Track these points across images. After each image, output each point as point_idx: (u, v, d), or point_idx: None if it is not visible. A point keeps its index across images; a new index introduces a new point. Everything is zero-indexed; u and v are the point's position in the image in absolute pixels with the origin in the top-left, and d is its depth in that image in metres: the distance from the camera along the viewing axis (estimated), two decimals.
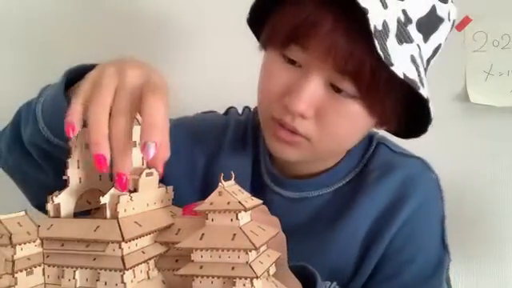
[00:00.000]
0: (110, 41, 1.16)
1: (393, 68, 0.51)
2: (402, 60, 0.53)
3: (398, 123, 0.62)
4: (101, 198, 0.40)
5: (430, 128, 1.02)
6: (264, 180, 0.72)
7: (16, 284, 0.40)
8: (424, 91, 0.55)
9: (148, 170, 0.42)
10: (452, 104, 1.02)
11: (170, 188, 0.46)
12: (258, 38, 0.66)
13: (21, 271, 0.40)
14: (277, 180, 0.70)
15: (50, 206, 0.43)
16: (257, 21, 0.63)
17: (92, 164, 0.42)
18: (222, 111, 0.83)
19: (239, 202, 0.40)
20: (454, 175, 1.01)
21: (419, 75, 0.55)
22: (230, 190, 0.41)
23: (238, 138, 0.76)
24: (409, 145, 0.72)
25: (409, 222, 0.64)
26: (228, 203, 0.40)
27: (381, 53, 0.50)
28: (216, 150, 0.75)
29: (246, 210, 0.40)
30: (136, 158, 0.43)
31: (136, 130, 0.42)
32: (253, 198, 0.43)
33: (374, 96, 0.55)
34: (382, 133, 0.71)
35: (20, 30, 1.19)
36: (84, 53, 1.11)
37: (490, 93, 0.99)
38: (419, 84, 0.54)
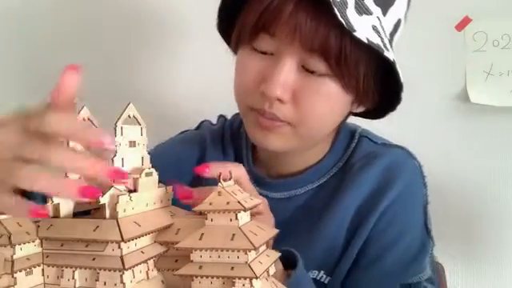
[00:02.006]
0: (106, 42, 1.16)
1: (355, 34, 0.52)
2: (364, 28, 0.55)
3: (374, 99, 0.63)
4: (100, 198, 0.40)
5: (430, 128, 1.03)
6: None
7: (15, 284, 0.40)
8: (390, 54, 0.56)
9: (148, 170, 0.42)
10: (452, 104, 1.02)
11: (170, 188, 0.46)
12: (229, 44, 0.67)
13: (20, 271, 0.40)
14: (261, 182, 0.71)
15: (49, 206, 0.43)
16: (227, 28, 0.66)
17: None
18: (218, 112, 0.84)
19: (238, 202, 0.40)
20: (453, 174, 1.01)
21: (383, 41, 0.57)
22: (229, 190, 0.41)
23: (216, 147, 0.77)
24: (408, 145, 0.72)
25: (392, 207, 0.65)
26: (227, 203, 0.40)
27: (342, 20, 0.52)
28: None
29: (245, 209, 0.40)
30: (135, 158, 0.43)
31: (135, 129, 0.42)
32: (252, 197, 0.43)
33: (344, 70, 0.56)
34: (365, 126, 0.74)
35: (18, 29, 1.19)
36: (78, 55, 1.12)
37: (490, 93, 0.99)
38: (383, 48, 0.56)
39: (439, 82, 1.01)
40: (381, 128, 0.74)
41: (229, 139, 0.77)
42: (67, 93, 0.41)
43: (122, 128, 0.41)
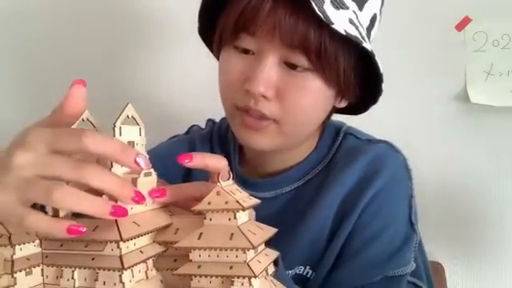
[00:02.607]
0: (103, 42, 1.16)
1: (333, 26, 0.54)
2: (341, 21, 0.56)
3: (355, 93, 0.64)
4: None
5: (430, 128, 1.03)
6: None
7: (15, 284, 0.40)
8: (367, 45, 0.57)
9: (147, 170, 0.43)
10: (452, 104, 1.02)
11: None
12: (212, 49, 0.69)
13: (20, 271, 0.40)
14: (248, 182, 0.71)
15: (49, 207, 0.43)
16: (208, 30, 0.67)
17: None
18: (214, 111, 0.84)
19: (237, 202, 0.40)
20: (453, 175, 1.01)
21: (360, 34, 0.58)
22: (227, 190, 0.41)
23: (205, 147, 0.78)
24: (408, 145, 0.72)
25: (376, 199, 0.65)
26: (226, 203, 0.40)
27: (320, 14, 0.53)
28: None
29: (243, 209, 0.40)
30: None
31: (133, 130, 0.43)
32: (251, 197, 0.43)
33: (325, 64, 0.57)
34: (364, 127, 0.74)
35: (15, 30, 1.19)
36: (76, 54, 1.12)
37: (490, 93, 0.99)
38: (361, 39, 0.57)
39: (439, 82, 1.01)
40: (379, 128, 0.74)
41: (217, 141, 0.79)
42: (77, 105, 0.41)
43: (120, 128, 0.42)
